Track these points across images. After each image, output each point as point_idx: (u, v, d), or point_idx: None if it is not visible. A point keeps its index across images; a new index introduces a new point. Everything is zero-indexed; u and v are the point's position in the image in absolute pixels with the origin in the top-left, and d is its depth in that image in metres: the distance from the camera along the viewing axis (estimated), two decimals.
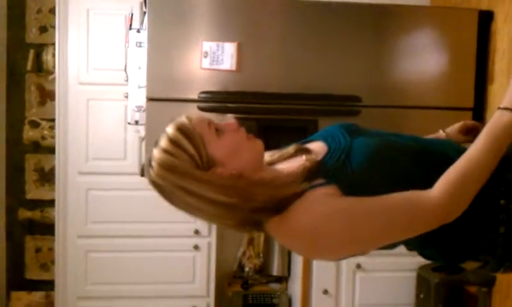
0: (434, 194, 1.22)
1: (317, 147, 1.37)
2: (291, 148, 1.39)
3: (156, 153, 1.27)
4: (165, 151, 1.25)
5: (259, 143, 1.33)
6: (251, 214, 1.27)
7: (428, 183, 1.25)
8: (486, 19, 2.98)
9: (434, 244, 1.33)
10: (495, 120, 1.28)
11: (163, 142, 1.26)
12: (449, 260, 1.42)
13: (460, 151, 1.34)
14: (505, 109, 1.28)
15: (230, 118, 1.34)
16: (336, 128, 1.40)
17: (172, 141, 1.25)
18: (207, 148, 1.25)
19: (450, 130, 1.68)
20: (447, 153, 1.35)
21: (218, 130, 1.28)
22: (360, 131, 1.40)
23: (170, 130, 1.27)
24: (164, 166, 1.25)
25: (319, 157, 1.32)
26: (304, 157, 1.33)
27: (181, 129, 1.26)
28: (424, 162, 1.32)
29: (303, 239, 1.24)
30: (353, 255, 1.31)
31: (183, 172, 1.24)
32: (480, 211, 1.31)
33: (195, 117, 1.29)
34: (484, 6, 3.02)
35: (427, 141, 1.46)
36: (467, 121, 1.72)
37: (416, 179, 1.28)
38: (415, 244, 1.35)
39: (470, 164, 1.24)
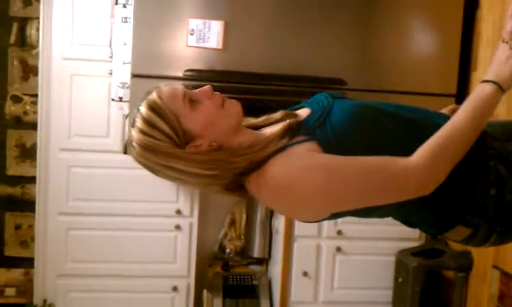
0: (413, 161, 1.22)
1: (303, 112, 1.38)
2: (278, 114, 1.39)
3: (134, 133, 1.28)
4: (142, 132, 1.26)
5: (235, 105, 1.32)
6: (235, 178, 1.30)
7: (415, 149, 1.24)
8: (471, 6, 3.00)
9: (425, 206, 1.32)
10: (477, 92, 1.30)
11: (138, 122, 1.27)
12: (439, 226, 1.40)
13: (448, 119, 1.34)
14: (488, 81, 1.29)
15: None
16: (322, 94, 1.41)
17: (146, 121, 1.26)
18: (182, 124, 1.26)
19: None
20: (436, 119, 1.35)
21: (193, 101, 1.28)
22: (345, 98, 1.42)
23: (143, 108, 1.27)
24: (144, 147, 1.26)
25: (301, 119, 1.33)
26: (288, 120, 1.33)
27: (153, 108, 1.26)
28: (412, 128, 1.33)
29: (280, 192, 1.24)
30: (330, 214, 1.28)
31: (163, 152, 1.26)
32: (471, 173, 1.32)
33: (166, 92, 1.28)
34: None
35: (417, 109, 1.44)
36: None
37: (404, 144, 1.27)
38: (406, 208, 1.33)
39: (451, 134, 1.25)
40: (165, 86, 1.31)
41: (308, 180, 1.21)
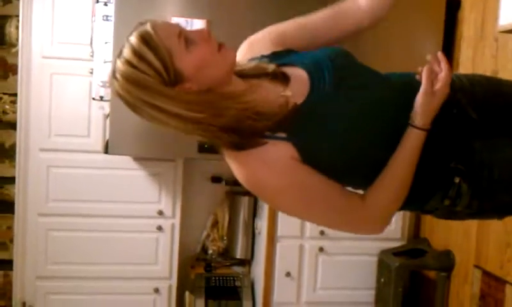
0: (366, 209, 1.29)
1: (298, 78, 1.32)
2: (270, 67, 1.33)
3: (120, 65, 1.20)
4: (129, 63, 1.18)
5: (231, 55, 1.26)
6: (220, 133, 1.23)
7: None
8: (453, 7, 3.02)
9: None
10: (409, 139, 1.31)
11: (127, 53, 1.19)
12: None
13: None
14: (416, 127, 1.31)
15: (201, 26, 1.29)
16: (325, 60, 1.36)
17: (136, 53, 1.18)
18: (174, 63, 1.19)
19: None
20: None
21: (188, 41, 1.21)
22: (347, 77, 1.37)
23: (134, 39, 1.19)
24: (129, 80, 1.19)
25: (299, 100, 1.28)
26: (281, 91, 1.28)
27: (146, 40, 1.18)
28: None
29: (253, 189, 1.29)
30: None
31: (149, 87, 1.19)
32: (433, 184, 1.35)
33: (161, 26, 1.21)
34: None
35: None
36: None
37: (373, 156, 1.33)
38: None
39: (395, 186, 1.30)
40: (159, 19, 1.25)
41: (281, 197, 1.27)
